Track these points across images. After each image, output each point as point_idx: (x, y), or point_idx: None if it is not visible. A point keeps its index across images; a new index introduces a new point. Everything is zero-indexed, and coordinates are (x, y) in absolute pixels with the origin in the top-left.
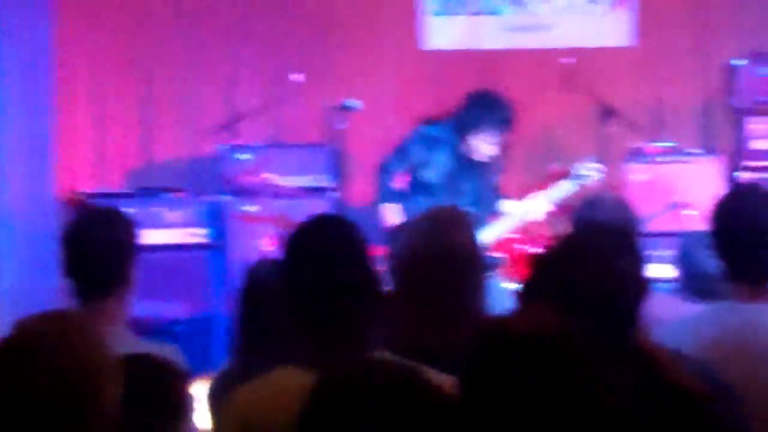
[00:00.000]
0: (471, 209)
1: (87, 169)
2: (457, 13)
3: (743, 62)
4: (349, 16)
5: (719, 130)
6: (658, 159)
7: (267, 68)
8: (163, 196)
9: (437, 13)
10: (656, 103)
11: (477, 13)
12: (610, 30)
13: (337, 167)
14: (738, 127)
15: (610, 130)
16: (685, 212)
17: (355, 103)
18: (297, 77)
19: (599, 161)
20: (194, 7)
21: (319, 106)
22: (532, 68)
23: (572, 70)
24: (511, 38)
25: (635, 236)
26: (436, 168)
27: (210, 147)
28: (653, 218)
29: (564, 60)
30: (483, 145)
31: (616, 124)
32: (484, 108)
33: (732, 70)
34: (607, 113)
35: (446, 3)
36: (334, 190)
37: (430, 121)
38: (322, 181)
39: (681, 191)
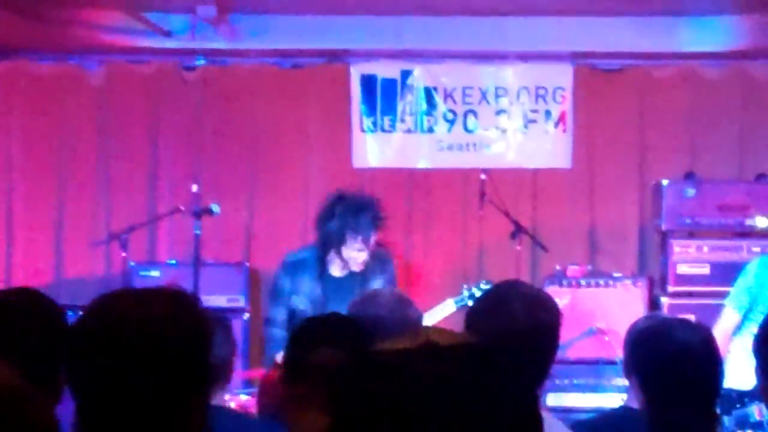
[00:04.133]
0: None
1: None
2: (391, 131)
3: (668, 182)
4: (279, 130)
5: (650, 254)
6: (581, 282)
7: (185, 185)
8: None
9: (370, 131)
10: (589, 225)
11: (410, 131)
12: (548, 151)
13: (247, 287)
14: (664, 250)
15: (517, 250)
16: (607, 338)
17: (216, 207)
18: (195, 187)
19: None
20: (113, 120)
21: (239, 224)
22: (460, 187)
23: (489, 187)
24: (444, 157)
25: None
26: (304, 294)
27: (119, 264)
28: (572, 344)
29: (482, 177)
30: (352, 254)
31: (527, 244)
32: (345, 215)
33: (660, 191)
34: (517, 232)
35: (380, 120)
36: (246, 311)
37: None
38: (237, 301)
39: (603, 317)
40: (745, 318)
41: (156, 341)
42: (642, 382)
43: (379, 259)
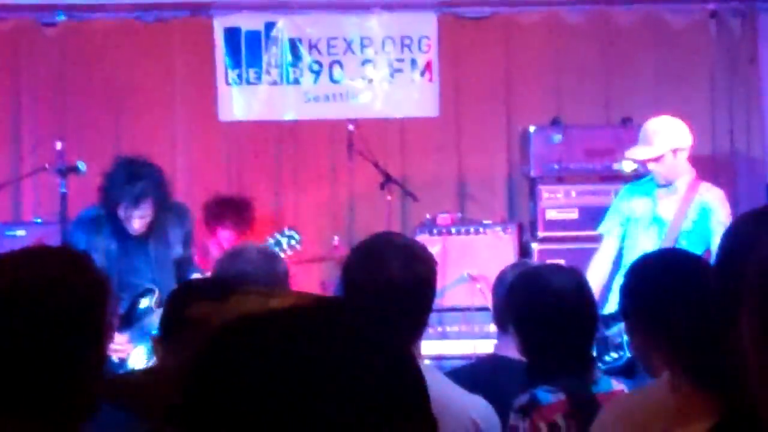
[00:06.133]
0: (150, 285)
1: None
2: (256, 83)
3: (535, 129)
4: (144, 86)
5: (519, 200)
6: (451, 230)
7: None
8: None
9: (236, 84)
10: (458, 173)
11: (276, 83)
12: (416, 100)
13: None
14: (533, 196)
15: (388, 200)
16: (478, 285)
17: (83, 165)
18: (59, 145)
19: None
20: None
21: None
22: (328, 138)
23: (357, 138)
24: (311, 108)
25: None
26: (100, 251)
27: None
28: (444, 292)
29: (350, 128)
30: (132, 220)
31: (397, 194)
32: (116, 182)
33: (527, 138)
34: (386, 182)
35: (245, 73)
36: None
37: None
38: None
39: (474, 263)
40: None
41: (58, 304)
42: (518, 330)
43: (175, 211)
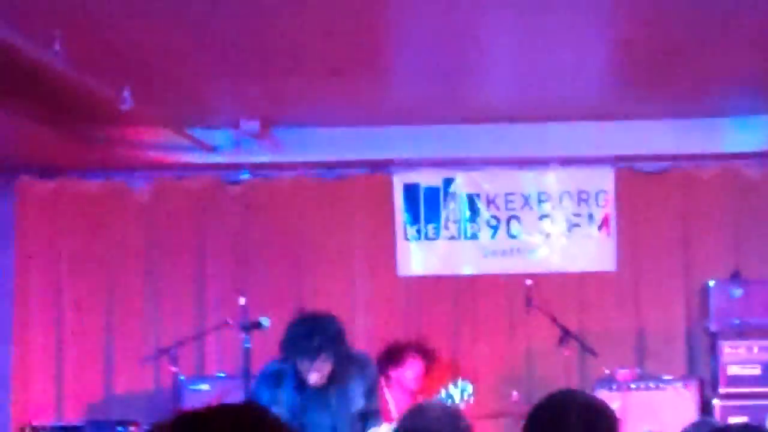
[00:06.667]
0: None
1: (47, 401)
2: (435, 239)
3: (715, 283)
4: (324, 242)
5: (700, 355)
6: (631, 386)
7: (232, 298)
8: (116, 430)
9: (414, 239)
10: (637, 328)
11: (454, 239)
12: (593, 255)
13: None
14: (714, 352)
15: (566, 355)
16: None
17: (266, 320)
18: (242, 300)
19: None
20: (160, 236)
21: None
22: (505, 293)
23: (535, 292)
24: (489, 263)
25: None
26: (282, 404)
27: (169, 378)
28: None
29: (527, 282)
30: (310, 374)
31: (575, 349)
32: (294, 337)
33: (707, 292)
34: (564, 337)
35: (424, 228)
36: None
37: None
38: None
39: (654, 420)
40: None
41: None
42: None
43: (357, 363)
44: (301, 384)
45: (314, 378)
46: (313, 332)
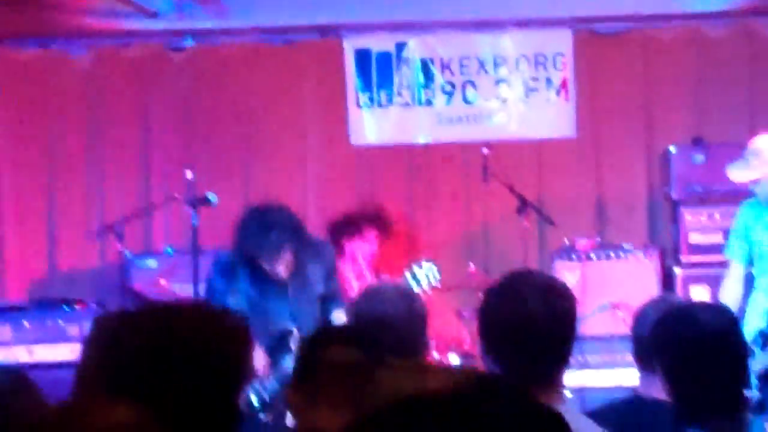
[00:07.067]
0: (290, 325)
1: None
2: (388, 106)
3: (677, 149)
4: (274, 111)
5: (661, 223)
6: (591, 256)
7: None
8: (61, 309)
9: (366, 107)
10: (596, 196)
11: (408, 105)
12: (551, 120)
13: None
14: (675, 219)
15: (524, 225)
16: (620, 314)
17: (213, 196)
18: (189, 174)
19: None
20: (102, 106)
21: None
22: (462, 161)
23: (491, 161)
24: (444, 131)
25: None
26: (240, 294)
27: (115, 255)
28: (584, 320)
29: (484, 150)
30: (275, 269)
31: (533, 218)
32: (250, 235)
33: (668, 158)
34: (522, 206)
35: (376, 96)
36: None
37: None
38: None
39: (615, 290)
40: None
41: (198, 357)
42: (666, 370)
43: (314, 249)
44: (256, 276)
45: (281, 272)
46: (270, 227)
